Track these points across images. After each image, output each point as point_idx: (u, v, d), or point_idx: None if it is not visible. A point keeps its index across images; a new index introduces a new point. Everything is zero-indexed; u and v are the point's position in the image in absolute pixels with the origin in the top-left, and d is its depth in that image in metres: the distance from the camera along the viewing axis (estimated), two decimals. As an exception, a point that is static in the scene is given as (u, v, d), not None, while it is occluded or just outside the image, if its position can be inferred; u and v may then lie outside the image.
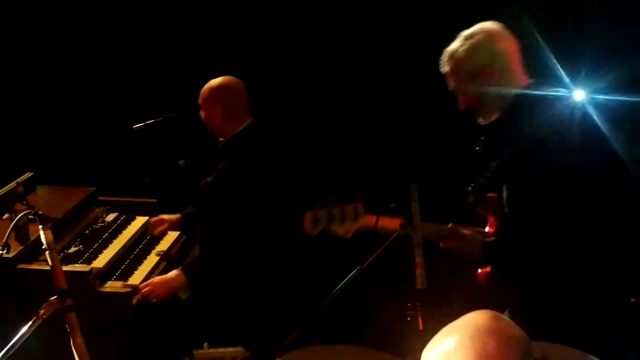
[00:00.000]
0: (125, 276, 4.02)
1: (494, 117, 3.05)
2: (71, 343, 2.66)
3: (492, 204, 3.23)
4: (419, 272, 3.00)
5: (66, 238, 4.17)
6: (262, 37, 5.72)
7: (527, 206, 2.92)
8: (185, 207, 4.53)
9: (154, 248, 4.41)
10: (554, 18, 5.31)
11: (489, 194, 3.29)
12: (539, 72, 3.19)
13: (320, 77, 5.71)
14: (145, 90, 5.65)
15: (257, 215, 3.93)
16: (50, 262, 2.68)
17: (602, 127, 3.05)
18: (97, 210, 4.67)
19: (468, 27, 3.10)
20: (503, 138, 3.03)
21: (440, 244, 3.12)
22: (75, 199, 4.55)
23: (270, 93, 5.53)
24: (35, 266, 3.76)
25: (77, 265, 3.88)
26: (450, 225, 3.10)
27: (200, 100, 4.10)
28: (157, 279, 3.95)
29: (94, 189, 4.75)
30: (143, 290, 3.85)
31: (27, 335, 2.59)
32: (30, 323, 2.59)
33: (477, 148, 4.66)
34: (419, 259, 3.00)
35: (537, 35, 4.08)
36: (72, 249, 4.07)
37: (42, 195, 4.55)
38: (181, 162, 4.51)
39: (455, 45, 3.05)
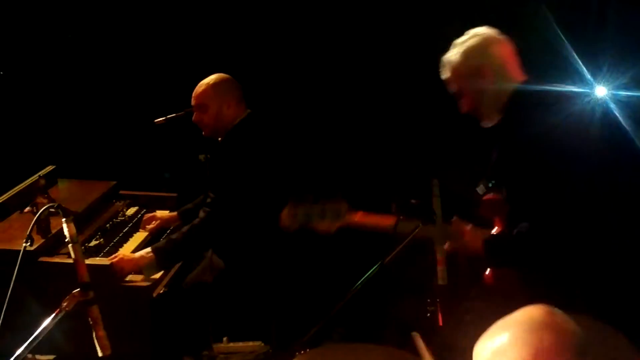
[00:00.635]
0: (145, 270, 4.02)
1: (496, 119, 3.10)
2: (93, 336, 2.68)
3: (496, 205, 3.23)
4: (440, 267, 3.01)
5: (87, 232, 4.19)
6: (273, 33, 5.71)
7: (530, 200, 2.93)
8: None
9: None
10: (575, 13, 5.27)
11: (490, 196, 3.28)
12: (559, 68, 3.19)
13: (333, 72, 5.69)
14: (167, 84, 5.65)
15: (271, 206, 3.95)
16: (73, 255, 2.70)
17: (622, 122, 3.06)
18: (118, 204, 4.69)
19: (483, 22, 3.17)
20: (505, 137, 3.05)
21: (446, 246, 3.12)
22: (96, 192, 4.57)
23: (288, 86, 5.56)
24: (56, 259, 3.78)
25: (97, 258, 3.89)
26: (454, 218, 3.10)
27: (200, 101, 4.10)
28: (122, 253, 3.93)
29: (114, 182, 4.78)
30: (111, 260, 3.83)
31: (50, 328, 2.61)
32: (53, 315, 2.61)
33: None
34: (440, 255, 3.00)
35: (559, 32, 4.06)
36: (93, 243, 4.08)
37: (63, 188, 4.57)
38: (201, 156, 4.52)
39: (450, 52, 3.21)
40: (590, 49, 4.16)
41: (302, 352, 3.02)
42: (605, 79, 4.09)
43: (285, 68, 5.70)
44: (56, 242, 3.83)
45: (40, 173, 4.43)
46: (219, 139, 4.17)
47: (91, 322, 2.68)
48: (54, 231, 3.84)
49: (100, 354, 2.70)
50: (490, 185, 3.36)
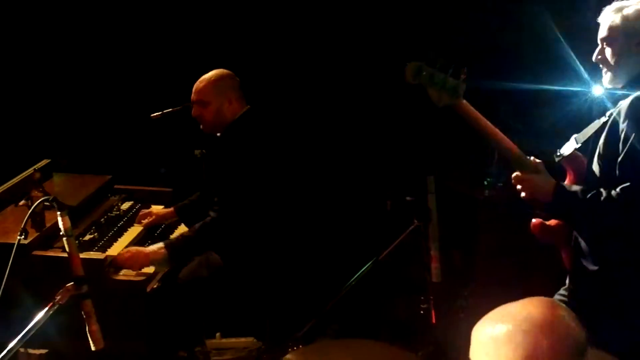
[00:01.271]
0: (139, 265, 4.02)
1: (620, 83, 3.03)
2: (87, 330, 2.67)
3: (579, 162, 3.18)
4: (435, 265, 3.00)
5: (81, 225, 4.17)
6: (270, 29, 5.71)
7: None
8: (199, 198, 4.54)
9: (168, 237, 4.41)
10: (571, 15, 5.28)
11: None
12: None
13: (330, 68, 5.69)
14: (163, 79, 5.65)
15: (268, 201, 3.95)
16: (67, 249, 2.70)
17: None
18: (113, 198, 4.68)
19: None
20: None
21: (513, 175, 3.03)
22: (92, 186, 4.55)
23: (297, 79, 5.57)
24: (50, 253, 3.76)
25: (92, 252, 3.88)
26: (531, 158, 3.03)
27: (201, 96, 4.09)
28: (136, 248, 3.92)
29: (110, 177, 4.76)
30: (119, 255, 3.83)
31: (43, 321, 2.60)
32: (46, 309, 2.61)
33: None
34: (434, 252, 3.00)
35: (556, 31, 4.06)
36: (88, 237, 4.07)
37: (58, 182, 4.56)
38: (197, 152, 4.51)
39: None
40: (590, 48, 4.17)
41: (296, 347, 3.03)
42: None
43: (283, 64, 5.71)
44: (51, 236, 3.81)
45: (35, 166, 4.41)
46: (218, 134, 4.17)
47: (84, 316, 2.68)
48: (48, 225, 3.83)
49: (93, 348, 2.70)
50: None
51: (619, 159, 2.85)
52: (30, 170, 4.37)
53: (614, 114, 2.94)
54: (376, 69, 5.54)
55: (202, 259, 4.12)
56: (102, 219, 4.35)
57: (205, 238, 3.94)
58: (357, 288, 3.06)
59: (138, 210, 4.55)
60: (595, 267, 2.99)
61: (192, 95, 4.13)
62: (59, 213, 2.69)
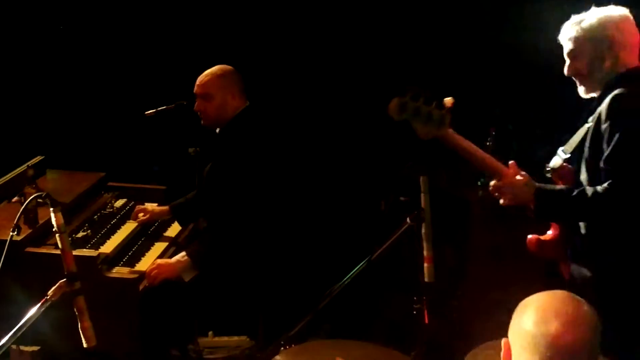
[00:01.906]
0: (132, 262, 4.02)
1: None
2: (79, 327, 2.67)
3: (567, 173, 3.20)
4: (428, 265, 3.00)
5: (74, 223, 4.17)
6: (269, 27, 5.70)
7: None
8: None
9: (161, 235, 4.42)
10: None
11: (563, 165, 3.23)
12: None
13: (328, 67, 5.69)
14: (157, 77, 5.64)
15: (265, 199, 3.95)
16: (60, 245, 2.69)
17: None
18: (106, 195, 4.67)
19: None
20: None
21: (491, 184, 3.07)
22: (85, 184, 4.55)
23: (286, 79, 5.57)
24: (43, 249, 3.77)
25: (84, 250, 3.87)
26: (511, 162, 3.05)
27: (206, 90, 4.09)
28: (161, 261, 3.97)
29: (103, 174, 4.76)
30: (149, 273, 3.86)
31: (35, 318, 2.60)
32: (38, 305, 2.60)
33: (487, 143, 4.68)
34: (427, 252, 3.00)
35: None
36: (80, 234, 4.07)
37: (51, 179, 4.56)
38: (191, 150, 4.50)
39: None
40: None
41: (288, 347, 3.02)
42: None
43: (281, 62, 5.70)
44: (43, 233, 3.82)
45: (28, 163, 4.41)
46: (217, 130, 4.16)
47: (77, 313, 2.67)
48: (41, 221, 3.83)
49: (85, 345, 2.70)
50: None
51: (604, 155, 2.88)
52: (24, 167, 4.37)
53: (595, 119, 2.96)
54: (374, 69, 5.55)
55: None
56: (96, 216, 4.35)
57: (221, 240, 3.99)
58: (350, 288, 3.05)
59: (131, 208, 4.54)
60: (591, 274, 3.02)
61: (196, 88, 4.12)
62: (52, 210, 2.69)
